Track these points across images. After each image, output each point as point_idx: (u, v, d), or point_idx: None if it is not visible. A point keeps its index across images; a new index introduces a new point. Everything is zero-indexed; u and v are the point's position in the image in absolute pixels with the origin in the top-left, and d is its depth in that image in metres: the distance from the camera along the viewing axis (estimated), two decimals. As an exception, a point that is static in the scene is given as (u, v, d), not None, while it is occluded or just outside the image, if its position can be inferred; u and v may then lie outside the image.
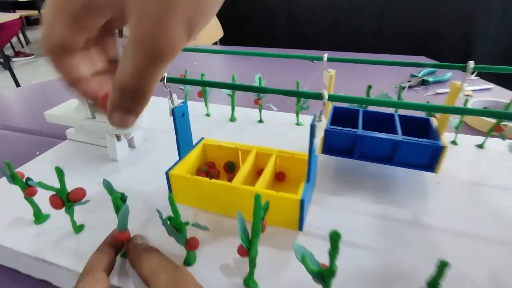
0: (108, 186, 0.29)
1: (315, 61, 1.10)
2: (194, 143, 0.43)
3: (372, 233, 0.36)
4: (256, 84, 0.57)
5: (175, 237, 0.29)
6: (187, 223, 0.29)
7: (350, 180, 0.44)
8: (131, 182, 0.44)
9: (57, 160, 0.50)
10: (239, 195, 0.34)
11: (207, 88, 0.62)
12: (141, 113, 0.21)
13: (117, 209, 0.28)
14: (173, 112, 0.35)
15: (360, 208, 0.39)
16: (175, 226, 0.29)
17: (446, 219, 0.37)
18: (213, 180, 0.35)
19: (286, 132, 0.57)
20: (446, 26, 1.42)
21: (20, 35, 3.70)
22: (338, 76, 0.45)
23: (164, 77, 0.34)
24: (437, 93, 0.82)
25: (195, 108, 0.65)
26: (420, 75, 0.90)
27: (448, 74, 0.91)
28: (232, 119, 0.61)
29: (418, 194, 0.42)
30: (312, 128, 0.30)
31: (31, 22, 4.45)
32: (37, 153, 0.53)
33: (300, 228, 0.33)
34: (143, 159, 0.50)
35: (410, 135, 0.42)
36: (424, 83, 0.88)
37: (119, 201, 0.28)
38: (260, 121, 0.61)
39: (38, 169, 0.47)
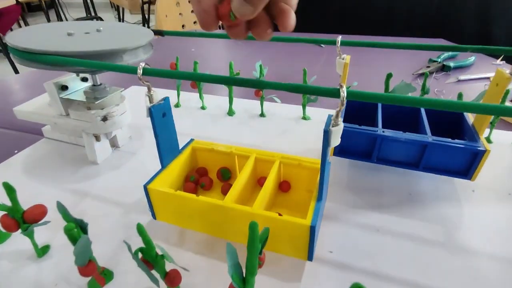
0: (63, 211, 0.23)
1: (323, 45, 1.02)
2: (184, 143, 0.37)
3: (396, 258, 0.29)
4: (257, 72, 0.50)
5: (148, 275, 0.23)
6: (163, 257, 0.23)
7: (367, 188, 0.37)
8: (111, 190, 0.38)
9: (30, 163, 0.44)
10: (233, 215, 0.28)
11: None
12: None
13: (74, 241, 0.22)
14: (150, 112, 0.28)
15: (380, 225, 0.33)
16: (149, 260, 0.23)
17: (486, 240, 0.31)
18: (201, 198, 0.28)
19: (291, 128, 0.50)
20: (463, 5, 1.32)
21: (22, 22, 3.62)
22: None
23: (139, 68, 0.27)
24: (459, 80, 0.74)
25: (188, 100, 0.58)
26: (440, 60, 0.81)
27: (471, 58, 0.82)
28: (230, 112, 0.54)
29: (450, 206, 0.35)
30: (326, 134, 0.23)
31: (32, 8, 4.36)
32: (16, 151, 0.47)
33: (310, 258, 0.26)
34: (128, 161, 0.43)
35: (440, 133, 0.35)
36: (444, 68, 0.79)
37: (75, 232, 0.21)
38: (262, 115, 0.54)
39: (7, 173, 0.42)
